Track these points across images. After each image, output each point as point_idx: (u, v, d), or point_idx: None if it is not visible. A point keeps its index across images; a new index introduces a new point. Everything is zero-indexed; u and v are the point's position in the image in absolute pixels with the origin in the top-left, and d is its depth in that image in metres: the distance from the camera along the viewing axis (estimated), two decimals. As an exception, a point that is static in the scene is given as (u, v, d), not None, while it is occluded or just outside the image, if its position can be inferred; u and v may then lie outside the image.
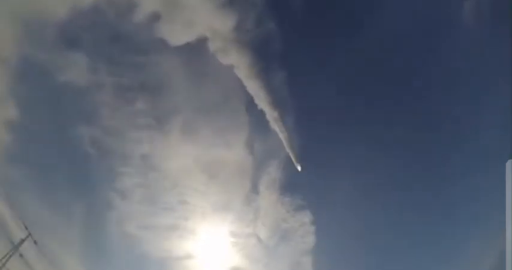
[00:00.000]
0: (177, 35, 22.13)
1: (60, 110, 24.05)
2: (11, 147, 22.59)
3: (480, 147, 22.69)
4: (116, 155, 25.21)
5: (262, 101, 24.28)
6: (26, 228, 23.00)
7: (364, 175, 25.03)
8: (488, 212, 20.79)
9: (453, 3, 22.64)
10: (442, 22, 23.10)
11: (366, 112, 25.28)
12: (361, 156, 24.94)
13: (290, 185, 26.55)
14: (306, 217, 26.44)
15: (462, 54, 23.10)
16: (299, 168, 25.03)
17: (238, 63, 23.38)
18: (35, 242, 23.22)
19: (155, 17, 21.92)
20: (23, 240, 22.85)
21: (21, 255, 22.78)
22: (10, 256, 22.18)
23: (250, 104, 24.74)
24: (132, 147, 25.11)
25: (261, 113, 24.91)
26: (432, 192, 24.85)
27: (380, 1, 23.66)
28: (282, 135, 24.47)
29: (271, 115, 24.60)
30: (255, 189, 26.37)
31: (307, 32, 24.09)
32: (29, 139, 23.42)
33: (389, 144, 24.82)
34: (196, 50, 23.16)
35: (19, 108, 22.31)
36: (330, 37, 24.33)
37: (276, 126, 24.68)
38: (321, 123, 25.60)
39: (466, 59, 22.95)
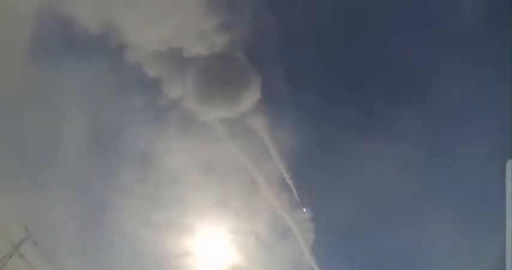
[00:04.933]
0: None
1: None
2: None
3: (480, 147, 22.71)
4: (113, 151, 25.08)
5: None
6: (26, 228, 23.06)
7: (364, 173, 24.99)
8: (488, 212, 20.80)
9: (452, 2, 22.71)
10: (442, 21, 23.17)
11: (365, 111, 25.29)
12: (361, 154, 24.93)
13: (289, 181, 26.36)
14: (305, 214, 26.45)
15: (461, 54, 23.13)
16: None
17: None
18: (35, 242, 23.28)
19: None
20: (23, 240, 22.91)
21: (21, 256, 22.85)
22: (10, 256, 22.25)
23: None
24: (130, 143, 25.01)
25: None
26: (432, 191, 24.86)
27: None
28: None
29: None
30: (253, 185, 26.21)
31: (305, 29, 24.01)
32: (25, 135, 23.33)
33: (388, 142, 24.79)
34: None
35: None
36: (328, 36, 24.33)
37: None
38: (321, 120, 25.55)
39: (465, 58, 22.98)
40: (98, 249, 25.98)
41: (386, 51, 24.36)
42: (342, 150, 25.26)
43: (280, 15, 22.89)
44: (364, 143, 24.59)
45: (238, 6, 22.97)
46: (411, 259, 25.19)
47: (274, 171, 25.68)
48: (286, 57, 23.80)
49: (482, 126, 22.80)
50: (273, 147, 25.02)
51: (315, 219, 26.26)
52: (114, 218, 25.70)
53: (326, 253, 26.75)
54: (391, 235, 25.98)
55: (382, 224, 25.83)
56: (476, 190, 22.83)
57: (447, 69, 23.58)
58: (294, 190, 25.88)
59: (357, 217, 25.15)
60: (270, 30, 23.14)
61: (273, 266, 27.16)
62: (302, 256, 26.64)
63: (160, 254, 26.25)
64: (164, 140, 25.11)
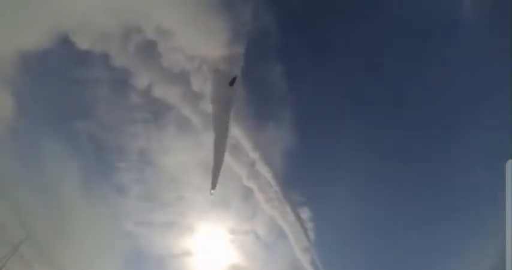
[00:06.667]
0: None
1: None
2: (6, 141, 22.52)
3: (480, 147, 22.69)
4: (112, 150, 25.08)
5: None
6: (26, 228, 23.05)
7: (364, 173, 24.98)
8: (488, 212, 20.79)
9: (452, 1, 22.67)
10: (441, 20, 23.12)
11: (364, 110, 25.18)
12: (361, 154, 24.88)
13: (288, 181, 26.41)
14: (305, 213, 26.46)
15: (461, 53, 23.07)
16: None
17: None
18: (35, 242, 23.27)
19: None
20: (22, 240, 22.93)
21: (21, 256, 22.86)
22: (10, 256, 22.27)
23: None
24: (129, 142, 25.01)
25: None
26: (432, 191, 24.84)
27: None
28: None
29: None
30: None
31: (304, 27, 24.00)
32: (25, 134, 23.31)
33: (388, 142, 24.79)
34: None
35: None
36: (328, 34, 24.33)
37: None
38: (321, 118, 25.48)
39: (465, 58, 22.94)
40: (98, 249, 26.00)
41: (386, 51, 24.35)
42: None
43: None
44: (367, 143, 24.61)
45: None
46: (411, 259, 25.20)
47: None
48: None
49: (482, 126, 22.82)
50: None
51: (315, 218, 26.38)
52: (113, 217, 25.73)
53: (325, 252, 26.92)
54: (390, 234, 26.05)
55: (381, 222, 25.89)
56: (477, 190, 22.84)
57: (447, 69, 23.57)
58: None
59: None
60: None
61: (272, 265, 27.22)
62: (301, 255, 26.77)
63: (160, 254, 26.33)
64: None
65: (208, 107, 23.39)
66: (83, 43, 21.25)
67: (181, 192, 25.82)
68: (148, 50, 21.89)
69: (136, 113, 24.47)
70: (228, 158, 25.11)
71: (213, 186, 24.22)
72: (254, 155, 25.54)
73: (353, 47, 23.77)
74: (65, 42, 20.93)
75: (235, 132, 24.70)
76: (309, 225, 26.52)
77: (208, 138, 24.03)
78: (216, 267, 27.23)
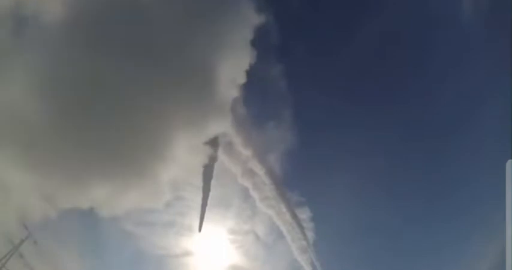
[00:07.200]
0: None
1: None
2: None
3: (480, 147, 22.73)
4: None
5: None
6: (26, 228, 23.02)
7: (364, 174, 24.98)
8: (488, 212, 20.83)
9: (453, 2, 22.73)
10: (442, 20, 23.18)
11: (364, 110, 25.22)
12: (361, 155, 24.89)
13: (288, 181, 26.43)
14: (305, 214, 26.47)
15: (461, 53, 23.14)
16: None
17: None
18: (35, 242, 23.26)
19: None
20: (23, 240, 22.90)
21: (21, 256, 22.85)
22: (10, 256, 22.26)
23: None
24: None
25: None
26: (432, 191, 24.87)
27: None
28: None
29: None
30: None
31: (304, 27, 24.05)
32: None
33: (388, 142, 24.83)
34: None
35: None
36: (328, 34, 24.38)
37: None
38: (321, 118, 25.50)
39: (465, 58, 23.02)
40: (98, 248, 25.99)
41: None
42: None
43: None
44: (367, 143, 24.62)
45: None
46: (411, 259, 25.23)
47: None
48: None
49: (482, 126, 22.84)
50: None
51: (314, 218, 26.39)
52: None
53: (324, 253, 26.95)
54: (389, 234, 26.08)
55: (381, 223, 25.92)
56: (476, 190, 22.88)
57: (447, 69, 23.60)
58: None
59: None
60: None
61: (272, 265, 27.22)
62: (301, 255, 26.77)
63: (160, 254, 26.32)
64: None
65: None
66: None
67: (181, 192, 25.85)
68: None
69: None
70: (226, 157, 25.30)
71: (200, 228, 25.00)
72: (248, 153, 25.65)
73: (353, 46, 23.85)
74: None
75: (234, 131, 24.78)
76: (309, 225, 26.59)
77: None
78: (216, 267, 27.23)
